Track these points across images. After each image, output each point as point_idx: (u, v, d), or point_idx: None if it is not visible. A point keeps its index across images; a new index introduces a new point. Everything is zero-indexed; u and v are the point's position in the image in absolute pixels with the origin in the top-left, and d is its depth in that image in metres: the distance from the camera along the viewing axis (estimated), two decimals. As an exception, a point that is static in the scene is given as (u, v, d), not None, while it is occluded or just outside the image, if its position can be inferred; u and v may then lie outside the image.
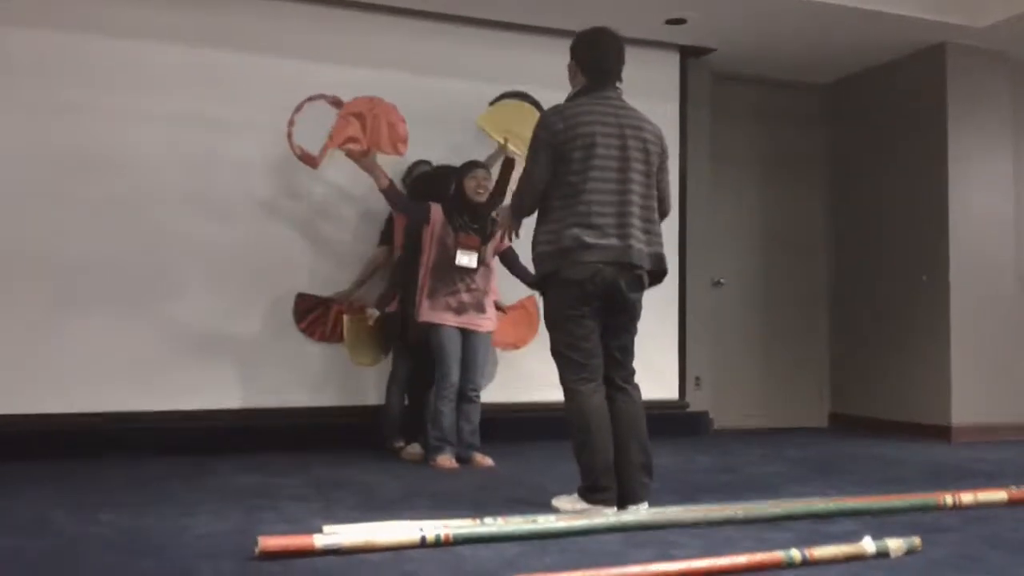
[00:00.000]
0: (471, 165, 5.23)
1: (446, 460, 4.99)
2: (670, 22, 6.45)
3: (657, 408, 5.70)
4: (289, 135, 5.35)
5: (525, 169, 3.78)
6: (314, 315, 5.78)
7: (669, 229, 3.90)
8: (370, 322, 5.41)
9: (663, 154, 3.85)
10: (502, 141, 5.38)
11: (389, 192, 5.15)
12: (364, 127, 5.08)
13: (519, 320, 5.67)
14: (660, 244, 3.78)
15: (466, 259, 5.05)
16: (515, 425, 6.06)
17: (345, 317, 5.57)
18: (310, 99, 5.41)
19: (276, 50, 5.90)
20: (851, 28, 6.55)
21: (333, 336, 5.74)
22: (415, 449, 5.30)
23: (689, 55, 7.05)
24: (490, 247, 5.20)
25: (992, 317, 6.85)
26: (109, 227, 5.47)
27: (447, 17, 6.25)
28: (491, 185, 5.22)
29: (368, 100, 5.17)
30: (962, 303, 6.75)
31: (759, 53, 7.14)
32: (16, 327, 5.26)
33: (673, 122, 6.81)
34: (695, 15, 6.34)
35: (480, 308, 5.18)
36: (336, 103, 5.32)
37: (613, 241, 3.62)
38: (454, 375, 5.07)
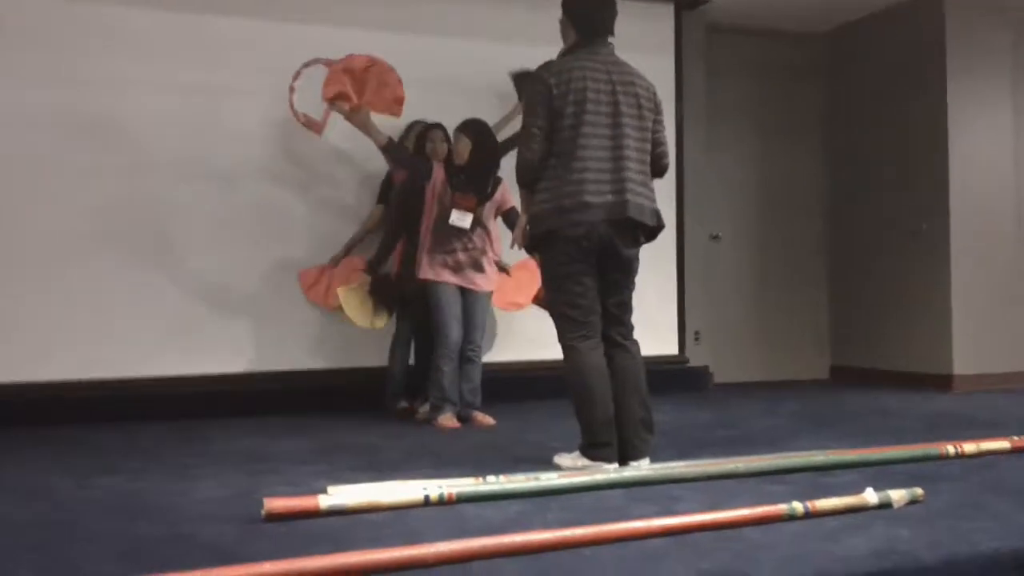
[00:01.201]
0: (459, 128, 5.20)
1: (447, 420, 4.99)
2: (665, -26, 6.38)
3: (656, 364, 5.71)
4: (291, 102, 5.33)
5: (524, 127, 3.73)
6: (316, 285, 5.75)
7: (666, 184, 3.88)
8: (366, 288, 5.40)
9: (657, 109, 3.82)
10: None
11: (389, 148, 5.11)
12: (357, 84, 5.05)
13: (522, 280, 5.63)
14: (655, 199, 3.76)
15: (460, 219, 5.03)
16: (515, 384, 6.07)
17: (339, 290, 5.50)
18: (307, 64, 5.38)
19: (273, 14, 5.86)
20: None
21: (328, 301, 5.70)
22: (426, 409, 5.30)
23: (684, 7, 6.99)
24: (489, 207, 5.17)
25: (992, 266, 6.84)
26: (107, 194, 5.48)
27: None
28: (465, 149, 5.15)
29: (366, 58, 5.15)
30: (962, 253, 6.74)
31: (755, 3, 7.06)
32: (9, 294, 5.25)
33: (668, 76, 6.77)
34: (690, -34, 6.27)
35: (478, 267, 5.16)
36: (330, 64, 5.27)
37: (609, 198, 3.59)
38: (454, 333, 5.06)
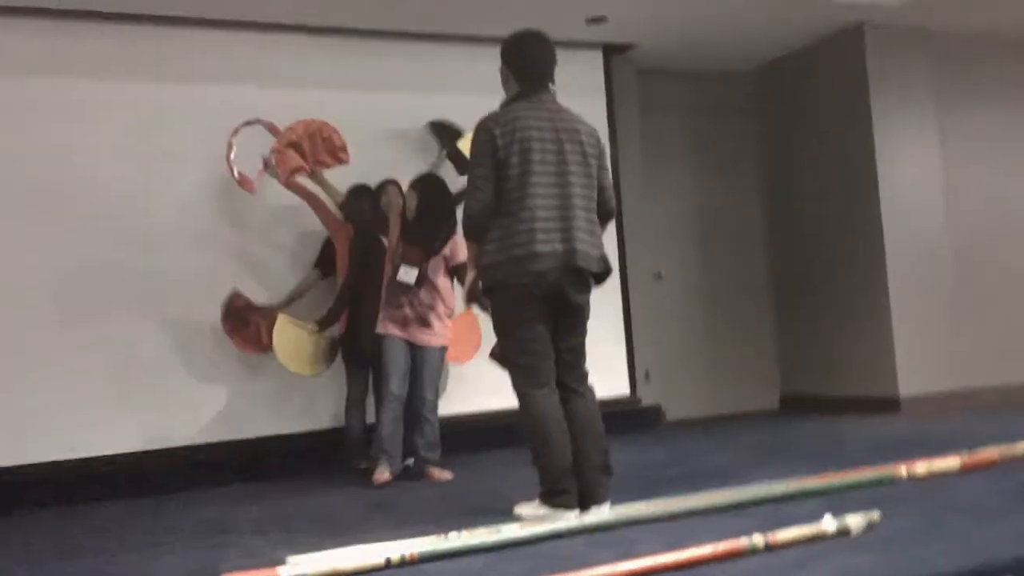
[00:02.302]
0: (411, 184, 5.21)
1: (380, 474, 4.96)
2: (591, 21, 6.50)
3: (610, 406, 5.71)
4: (228, 158, 5.37)
5: (470, 181, 3.74)
6: (238, 321, 5.61)
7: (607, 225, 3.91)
8: (306, 329, 5.37)
9: (601, 155, 3.85)
10: None
11: (344, 206, 5.27)
12: (303, 152, 5.21)
13: (460, 334, 5.58)
14: (602, 245, 3.79)
15: (406, 274, 5.04)
16: (469, 435, 6.04)
17: (280, 317, 5.40)
18: (247, 123, 5.46)
19: (208, 78, 5.88)
20: (768, 13, 6.64)
21: (250, 345, 5.59)
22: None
23: (612, 52, 7.09)
24: (437, 262, 5.17)
25: (929, 288, 6.99)
26: (53, 261, 5.42)
27: (374, 33, 6.26)
28: (413, 204, 5.17)
29: (301, 123, 5.34)
30: (899, 277, 6.88)
31: (681, 45, 7.21)
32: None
33: (601, 120, 6.85)
34: (615, 12, 6.38)
35: (424, 322, 5.15)
36: (272, 129, 5.39)
37: (558, 247, 3.61)
38: (393, 385, 5.05)
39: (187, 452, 5.58)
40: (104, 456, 5.38)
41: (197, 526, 4.16)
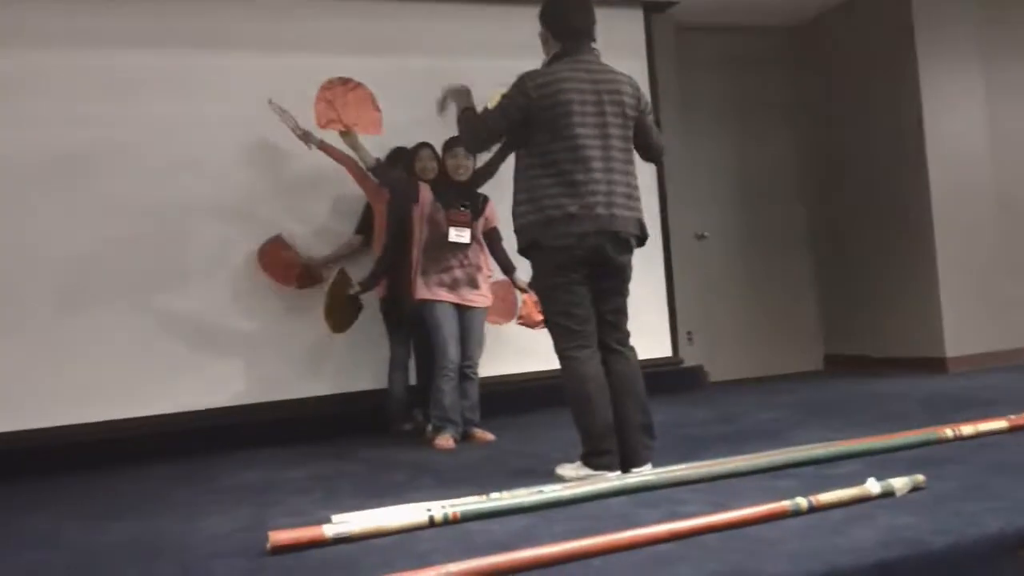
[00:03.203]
0: (451, 143, 5.17)
1: (445, 440, 4.97)
2: (631, -22, 6.41)
3: (651, 366, 5.71)
4: (285, 119, 5.42)
5: (487, 113, 3.77)
6: (278, 259, 5.75)
7: (649, 186, 3.89)
8: (351, 290, 5.44)
9: (642, 102, 3.81)
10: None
11: (377, 169, 5.22)
12: (340, 108, 5.21)
13: (497, 297, 5.60)
14: (640, 208, 3.77)
15: (459, 235, 5.03)
16: (512, 397, 6.07)
17: (341, 270, 5.62)
18: (275, 106, 5.47)
19: (242, 45, 5.87)
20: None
21: (279, 272, 5.74)
22: (431, 429, 5.26)
23: (652, 10, 7.01)
24: (480, 224, 5.18)
25: (977, 245, 6.88)
26: (91, 235, 5.47)
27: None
28: (471, 163, 5.19)
29: (342, 84, 5.28)
30: (946, 233, 6.78)
31: (722, 1, 7.09)
32: (8, 341, 5.24)
33: (642, 78, 6.76)
34: (656, -30, 6.30)
35: (474, 283, 5.17)
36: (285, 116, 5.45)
37: (599, 210, 3.59)
38: (452, 352, 5.04)
39: (229, 414, 5.65)
40: (147, 418, 5.47)
41: (241, 487, 4.21)
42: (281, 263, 5.74)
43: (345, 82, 5.35)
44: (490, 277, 5.34)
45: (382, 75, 5.78)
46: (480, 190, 5.27)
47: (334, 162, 5.52)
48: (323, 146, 5.48)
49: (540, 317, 5.44)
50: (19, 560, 3.09)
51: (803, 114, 7.96)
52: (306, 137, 5.44)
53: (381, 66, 5.99)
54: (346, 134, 5.29)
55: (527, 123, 3.65)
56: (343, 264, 5.80)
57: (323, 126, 5.32)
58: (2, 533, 3.57)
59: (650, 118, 3.88)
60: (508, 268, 5.35)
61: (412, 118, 5.65)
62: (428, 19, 6.30)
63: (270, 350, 5.79)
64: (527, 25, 4.09)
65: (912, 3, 6.83)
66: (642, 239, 3.78)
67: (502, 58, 5.81)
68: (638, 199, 3.77)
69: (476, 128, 3.80)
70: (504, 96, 3.73)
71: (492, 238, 5.29)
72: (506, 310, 5.70)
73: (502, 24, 6.25)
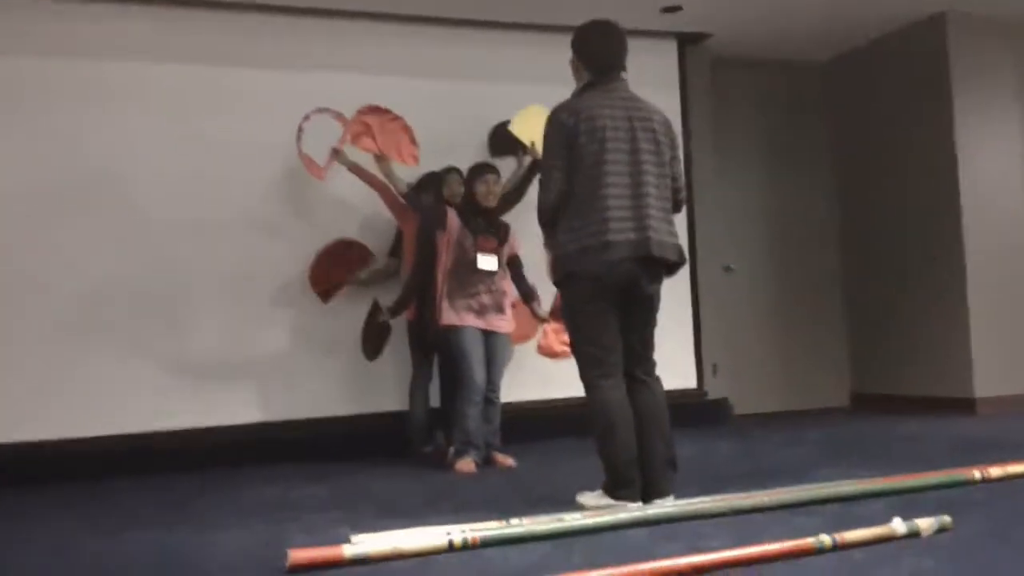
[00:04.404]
0: (480, 169, 5.19)
1: (466, 464, 4.96)
2: (665, 10, 6.44)
3: (676, 398, 5.68)
4: (298, 139, 5.43)
5: (543, 169, 3.74)
6: (326, 273, 5.81)
7: (678, 217, 3.87)
8: (381, 317, 5.45)
9: (673, 144, 3.81)
10: (528, 145, 5.57)
11: (408, 196, 5.28)
12: (374, 133, 5.29)
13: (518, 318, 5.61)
14: (676, 235, 3.76)
15: (488, 262, 5.05)
16: (535, 423, 6.06)
17: (376, 300, 5.63)
18: (318, 111, 5.51)
19: (276, 65, 5.95)
20: (847, 2, 6.50)
21: (320, 279, 5.81)
22: (452, 452, 5.25)
23: (687, 42, 7.02)
24: (504, 251, 5.19)
25: (1009, 286, 6.82)
26: (122, 250, 5.55)
27: (447, 21, 6.29)
28: (499, 189, 5.21)
29: (379, 111, 5.38)
30: (978, 274, 6.72)
31: (756, 34, 7.12)
32: (34, 354, 5.31)
33: (675, 110, 6.81)
34: (690, 1, 6.31)
35: (500, 309, 5.17)
36: (340, 119, 5.45)
37: (631, 235, 3.58)
38: (479, 377, 5.04)
39: (252, 430, 5.69)
40: (172, 432, 5.51)
41: (261, 503, 4.22)
42: (337, 263, 5.79)
43: (385, 111, 5.47)
44: (513, 303, 5.35)
45: (421, 97, 5.86)
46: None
47: (364, 184, 5.56)
48: (355, 168, 5.52)
49: (559, 348, 5.43)
50: (32, 568, 3.09)
51: (836, 149, 7.94)
52: (336, 156, 5.48)
53: (421, 88, 6.10)
54: (381, 159, 5.38)
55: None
56: (376, 293, 5.80)
57: (353, 141, 5.39)
58: (18, 541, 3.59)
59: (678, 166, 3.86)
60: (529, 296, 5.33)
61: (440, 141, 5.71)
62: (472, 44, 6.37)
63: (294, 369, 5.82)
64: (560, 52, 4.11)
65: (948, 40, 6.81)
66: (677, 265, 3.75)
67: (533, 84, 5.90)
68: (673, 224, 3.76)
69: (542, 203, 3.72)
70: (546, 143, 3.72)
71: (514, 265, 5.30)
72: (521, 335, 5.68)
73: (536, 50, 6.28)
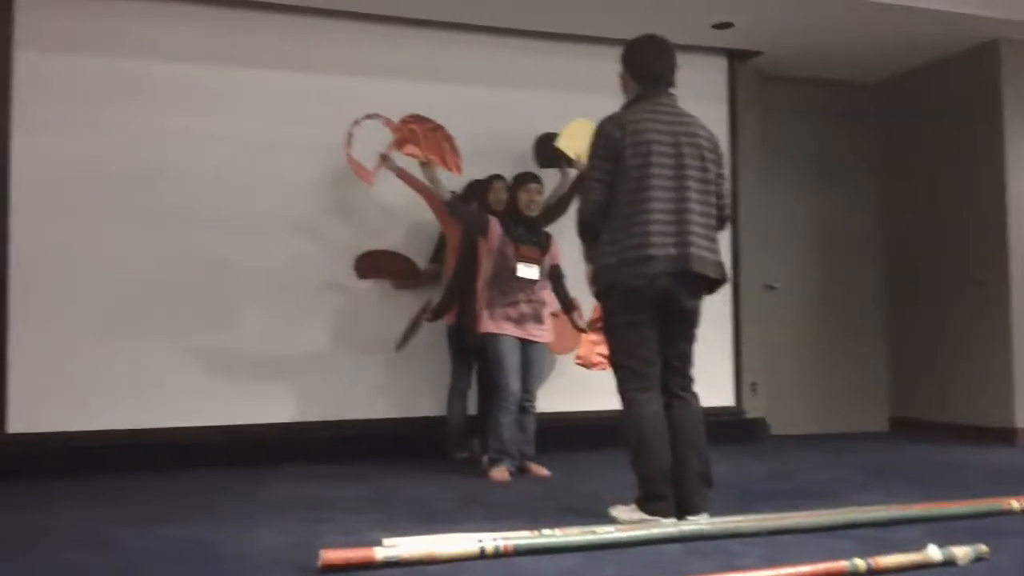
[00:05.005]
0: (524, 178, 5.22)
1: (500, 472, 4.97)
2: (717, 26, 6.42)
3: (713, 415, 5.65)
4: (346, 147, 5.48)
5: (587, 180, 3.76)
6: (377, 264, 5.88)
7: (722, 233, 3.87)
8: (425, 317, 5.55)
9: (719, 161, 3.82)
10: (574, 159, 5.59)
11: (451, 203, 5.28)
12: (419, 142, 5.33)
13: (558, 328, 5.63)
14: (719, 252, 3.75)
15: (528, 271, 5.06)
16: (570, 434, 6.06)
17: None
18: (368, 116, 5.56)
19: (323, 68, 6.00)
20: (900, 26, 6.47)
21: (369, 267, 5.86)
22: (487, 460, 5.24)
23: (737, 58, 7.01)
24: (545, 261, 5.21)
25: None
26: (163, 246, 5.59)
27: (495, 30, 6.32)
28: (542, 199, 5.24)
29: (422, 120, 5.48)
30: (1023, 302, 6.63)
31: (807, 54, 7.08)
32: (71, 344, 5.37)
33: (723, 125, 6.79)
34: (742, 18, 6.30)
35: (539, 319, 5.18)
36: (389, 124, 5.52)
37: (672, 251, 3.58)
38: (514, 386, 5.05)
39: (289, 429, 5.72)
40: (209, 427, 5.56)
41: (294, 501, 4.25)
42: (385, 264, 5.90)
43: (427, 121, 5.52)
44: (553, 313, 5.36)
45: (472, 106, 5.96)
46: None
47: (408, 189, 5.60)
48: (402, 174, 5.56)
49: (596, 359, 5.43)
50: (63, 560, 3.14)
51: (883, 171, 7.87)
52: (384, 161, 5.52)
53: (473, 97, 6.20)
54: (426, 165, 5.40)
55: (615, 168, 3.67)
56: (428, 294, 5.85)
57: (399, 147, 5.45)
58: (50, 531, 3.64)
59: (724, 184, 3.85)
60: (570, 306, 5.36)
61: (483, 149, 5.82)
62: (516, 54, 6.40)
63: (333, 369, 5.86)
64: (609, 64, 4.12)
65: (1002, 66, 6.74)
66: (719, 282, 3.75)
67: (579, 93, 5.94)
68: (716, 241, 3.76)
69: (583, 216, 3.74)
70: (591, 154, 3.74)
71: (555, 275, 5.31)
72: (563, 346, 5.70)
73: (582, 62, 6.31)
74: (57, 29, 5.49)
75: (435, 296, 5.67)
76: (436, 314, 5.43)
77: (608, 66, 4.14)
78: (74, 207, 5.44)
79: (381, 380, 5.93)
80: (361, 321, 5.91)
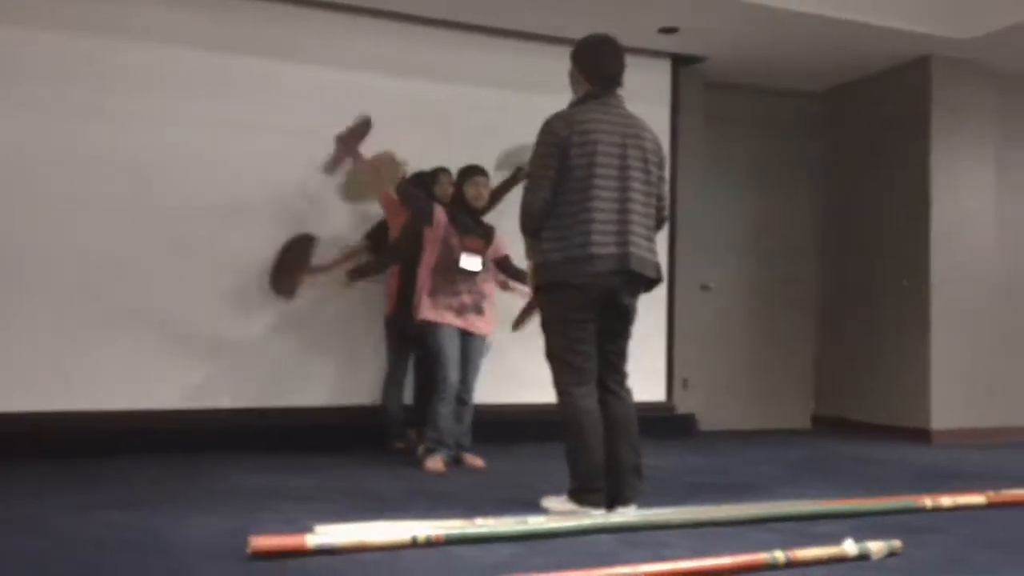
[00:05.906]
0: (470, 171, 5.23)
1: (436, 463, 4.99)
2: (662, 31, 6.53)
3: (645, 410, 5.75)
4: (351, 148, 5.52)
5: (531, 176, 3.79)
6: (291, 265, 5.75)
7: (659, 234, 3.96)
8: (347, 280, 5.53)
9: (661, 163, 3.90)
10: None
11: (400, 188, 5.16)
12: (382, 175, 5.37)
13: None
14: (656, 252, 3.84)
15: (471, 262, 5.09)
16: (505, 426, 6.11)
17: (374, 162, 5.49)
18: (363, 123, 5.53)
19: (298, 57, 6.00)
20: (839, 39, 6.64)
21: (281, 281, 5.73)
22: (423, 450, 5.27)
23: (681, 63, 7.12)
24: (488, 253, 5.25)
25: (973, 323, 6.96)
26: (122, 228, 5.53)
27: (451, 24, 6.35)
28: (488, 192, 5.27)
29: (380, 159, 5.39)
30: (943, 309, 6.86)
31: (750, 62, 7.22)
32: (21, 325, 5.30)
33: (664, 128, 6.88)
34: (687, 24, 6.41)
35: (479, 311, 5.21)
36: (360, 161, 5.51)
37: (613, 249, 3.66)
38: (453, 376, 5.07)
39: (229, 415, 5.69)
40: (147, 411, 5.51)
41: (232, 489, 4.24)
42: (290, 263, 5.75)
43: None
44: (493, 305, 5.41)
45: (412, 98, 5.97)
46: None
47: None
48: (358, 158, 5.55)
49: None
50: (3, 545, 3.10)
51: (819, 178, 8.05)
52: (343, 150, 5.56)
53: (414, 89, 6.21)
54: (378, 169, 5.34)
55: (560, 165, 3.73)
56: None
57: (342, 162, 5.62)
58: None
59: (664, 186, 3.94)
60: (521, 278, 5.35)
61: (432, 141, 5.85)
62: (468, 49, 6.46)
63: (275, 355, 5.84)
64: (559, 62, 4.19)
65: (932, 81, 6.95)
66: (655, 282, 3.84)
67: (531, 92, 6.00)
68: (655, 242, 3.85)
69: (528, 210, 3.78)
70: (536, 151, 3.78)
71: (505, 265, 5.36)
72: None
73: (537, 58, 6.41)
74: (63, 13, 5.46)
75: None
76: (357, 273, 5.44)
77: (558, 63, 4.20)
78: (30, 192, 5.38)
79: (325, 369, 5.95)
80: (306, 309, 5.88)
